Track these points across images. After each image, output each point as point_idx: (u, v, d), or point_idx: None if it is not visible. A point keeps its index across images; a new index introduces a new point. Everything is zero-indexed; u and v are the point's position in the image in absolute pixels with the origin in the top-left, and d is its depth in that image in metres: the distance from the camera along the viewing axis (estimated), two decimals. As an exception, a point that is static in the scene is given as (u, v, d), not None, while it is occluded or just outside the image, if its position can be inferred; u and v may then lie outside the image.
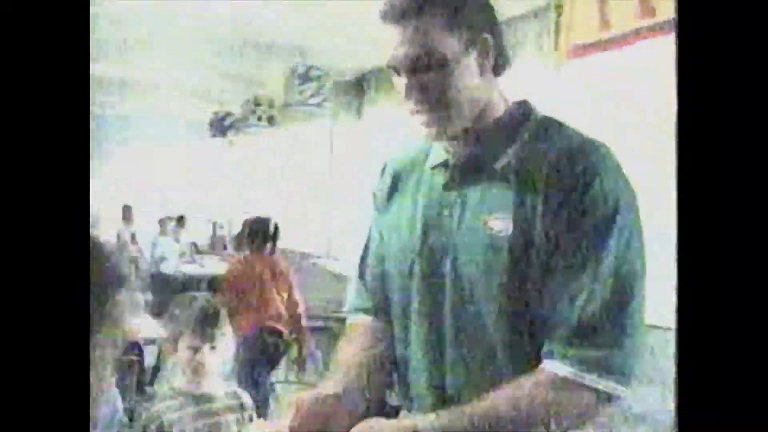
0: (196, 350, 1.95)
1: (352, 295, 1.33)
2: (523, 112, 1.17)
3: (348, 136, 6.97)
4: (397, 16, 1.07)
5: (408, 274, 1.19)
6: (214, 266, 7.75)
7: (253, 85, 7.45)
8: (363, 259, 1.33)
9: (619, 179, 1.07)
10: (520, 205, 1.08)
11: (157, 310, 7.17)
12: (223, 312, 2.03)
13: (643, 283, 1.06)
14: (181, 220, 9.48)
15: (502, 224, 1.08)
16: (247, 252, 4.45)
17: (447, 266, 1.13)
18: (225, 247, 9.29)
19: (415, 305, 1.18)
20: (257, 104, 7.40)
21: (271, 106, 7.37)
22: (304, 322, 4.33)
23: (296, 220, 7.78)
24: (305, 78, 5.57)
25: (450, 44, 1.07)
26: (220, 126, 9.42)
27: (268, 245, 4.37)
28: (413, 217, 1.20)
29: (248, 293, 4.14)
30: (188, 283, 7.29)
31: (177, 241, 8.65)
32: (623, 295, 1.03)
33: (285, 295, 4.28)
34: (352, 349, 1.24)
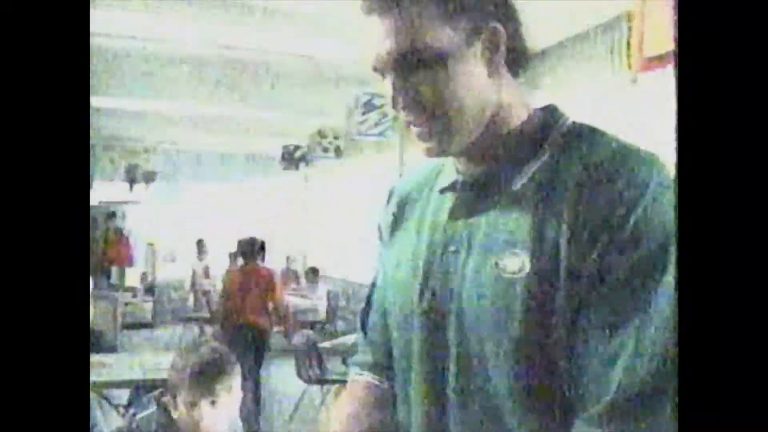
0: (192, 405, 1.68)
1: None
2: (548, 119, 0.92)
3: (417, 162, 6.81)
4: (381, 5, 0.85)
5: (407, 324, 0.96)
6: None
7: (318, 116, 7.46)
8: (366, 304, 1.11)
9: (674, 201, 0.77)
10: (540, 237, 0.83)
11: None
12: (232, 363, 1.76)
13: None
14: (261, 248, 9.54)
15: (516, 263, 0.84)
16: (239, 265, 5.56)
17: (450, 317, 0.90)
18: (297, 281, 9.26)
19: (415, 365, 0.95)
20: (323, 136, 7.38)
21: (336, 137, 7.34)
22: (292, 319, 5.89)
23: (371, 251, 7.67)
24: (368, 107, 5.48)
25: (445, 36, 0.84)
26: (291, 159, 9.48)
27: (257, 259, 5.45)
28: (415, 253, 0.97)
29: (235, 297, 5.20)
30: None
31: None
32: (652, 378, 0.77)
33: (273, 298, 5.33)
34: (351, 410, 1.05)
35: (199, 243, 9.43)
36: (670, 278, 0.78)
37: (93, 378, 3.93)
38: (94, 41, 5.51)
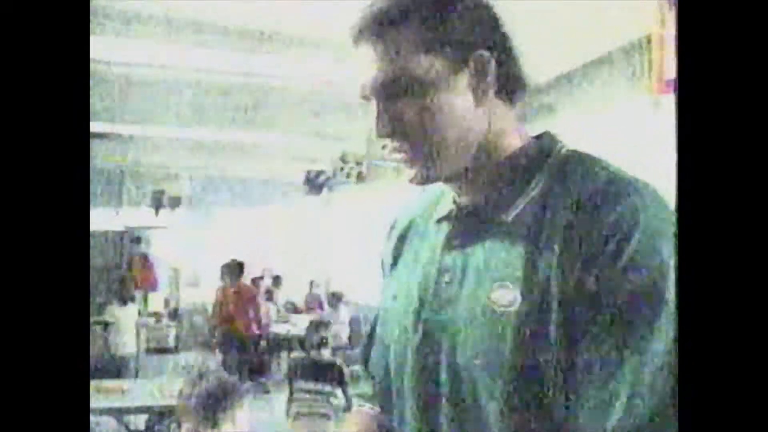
0: None
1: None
2: (543, 147, 0.91)
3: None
4: (368, 34, 0.86)
5: (403, 355, 0.94)
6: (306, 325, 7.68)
7: (341, 142, 7.49)
8: (368, 337, 1.10)
9: (670, 232, 0.76)
10: (532, 270, 0.81)
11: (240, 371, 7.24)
12: (238, 394, 1.75)
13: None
14: (276, 279, 9.55)
15: (507, 296, 0.81)
16: (223, 284, 7.54)
17: (443, 348, 0.87)
18: (321, 306, 9.23)
19: (408, 396, 0.93)
20: (345, 161, 7.41)
21: (358, 162, 7.36)
22: (271, 329, 7.98)
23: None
24: (388, 132, 5.47)
25: (430, 64, 0.84)
26: (314, 184, 9.52)
27: (240, 278, 7.54)
28: (411, 285, 0.95)
29: (227, 307, 7.25)
30: (278, 343, 7.29)
31: (271, 300, 8.68)
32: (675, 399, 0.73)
33: (252, 312, 7.43)
34: None
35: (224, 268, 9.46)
36: (666, 313, 0.74)
37: (112, 403, 3.94)
38: (118, 70, 5.60)
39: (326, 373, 4.84)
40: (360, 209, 9.68)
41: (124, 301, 6.75)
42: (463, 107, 0.87)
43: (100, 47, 4.66)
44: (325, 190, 9.51)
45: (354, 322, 8.23)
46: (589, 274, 0.77)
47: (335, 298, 8.57)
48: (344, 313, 8.32)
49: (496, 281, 0.84)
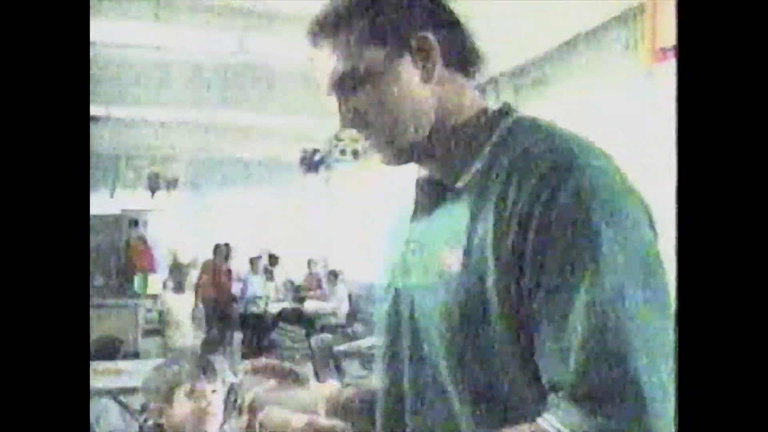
0: (199, 397, 1.82)
1: None
2: (496, 117, 0.94)
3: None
4: (322, 35, 0.93)
5: (379, 326, 1.02)
6: (308, 304, 7.71)
7: (336, 120, 7.45)
8: None
9: (608, 192, 0.79)
10: (473, 230, 0.85)
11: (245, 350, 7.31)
12: (219, 365, 1.93)
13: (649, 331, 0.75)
14: (273, 258, 9.55)
15: (452, 257, 0.86)
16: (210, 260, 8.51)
17: (405, 313, 0.95)
18: (320, 285, 9.25)
19: (381, 358, 1.01)
20: (339, 139, 7.38)
21: (353, 140, 7.33)
22: (269, 308, 8.23)
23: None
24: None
25: (372, 55, 0.91)
26: (311, 163, 9.50)
27: (223, 258, 8.47)
28: (388, 258, 1.03)
29: (206, 282, 8.19)
30: (276, 322, 7.31)
31: (271, 279, 8.69)
32: (609, 356, 0.74)
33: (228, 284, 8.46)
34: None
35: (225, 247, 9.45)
36: (592, 275, 0.76)
37: (111, 384, 3.96)
38: (114, 52, 5.56)
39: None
40: (358, 186, 9.67)
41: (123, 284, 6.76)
42: (412, 88, 0.92)
43: (96, 29, 4.63)
44: (322, 168, 9.49)
45: (352, 300, 8.25)
46: (519, 232, 0.80)
47: (333, 276, 8.58)
48: (342, 292, 8.34)
49: (444, 245, 0.89)
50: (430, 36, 0.91)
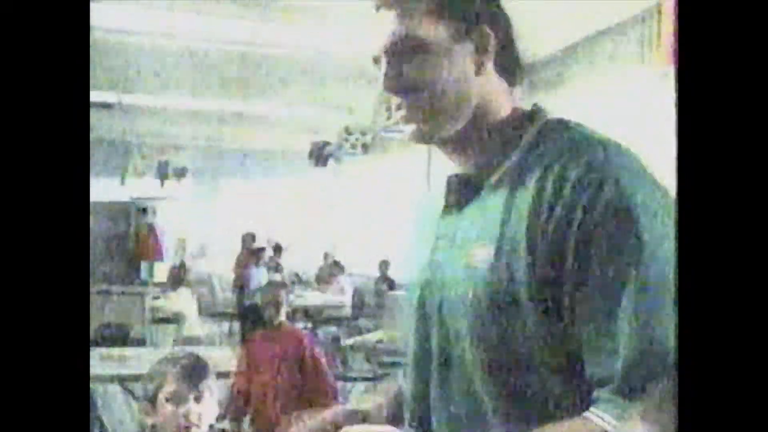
0: (178, 402, 1.75)
1: None
2: (529, 117, 0.97)
3: (446, 161, 6.76)
4: (386, 2, 0.95)
5: (409, 319, 1.04)
6: (310, 297, 7.72)
7: (347, 113, 7.46)
8: None
9: (642, 187, 0.82)
10: (506, 225, 0.88)
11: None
12: (209, 367, 1.86)
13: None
14: (277, 248, 9.54)
15: (483, 252, 0.88)
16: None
17: (434, 307, 0.96)
18: (335, 278, 9.22)
19: (411, 351, 1.02)
20: (349, 132, 7.38)
21: (363, 133, 7.33)
22: None
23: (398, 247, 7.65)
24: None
25: (436, 30, 0.93)
26: (320, 155, 9.47)
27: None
28: (419, 252, 1.04)
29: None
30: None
31: (277, 270, 8.69)
32: (655, 354, 0.77)
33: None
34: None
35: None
36: (634, 282, 0.79)
37: (118, 371, 3.98)
38: (126, 39, 5.56)
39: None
40: (367, 180, 9.67)
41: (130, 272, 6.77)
42: (463, 74, 0.94)
43: (107, 16, 4.62)
44: (331, 161, 9.47)
45: (357, 294, 8.25)
46: (554, 231, 0.82)
47: (338, 269, 8.57)
48: (347, 285, 8.33)
49: (476, 240, 0.91)
50: (490, 32, 0.94)
